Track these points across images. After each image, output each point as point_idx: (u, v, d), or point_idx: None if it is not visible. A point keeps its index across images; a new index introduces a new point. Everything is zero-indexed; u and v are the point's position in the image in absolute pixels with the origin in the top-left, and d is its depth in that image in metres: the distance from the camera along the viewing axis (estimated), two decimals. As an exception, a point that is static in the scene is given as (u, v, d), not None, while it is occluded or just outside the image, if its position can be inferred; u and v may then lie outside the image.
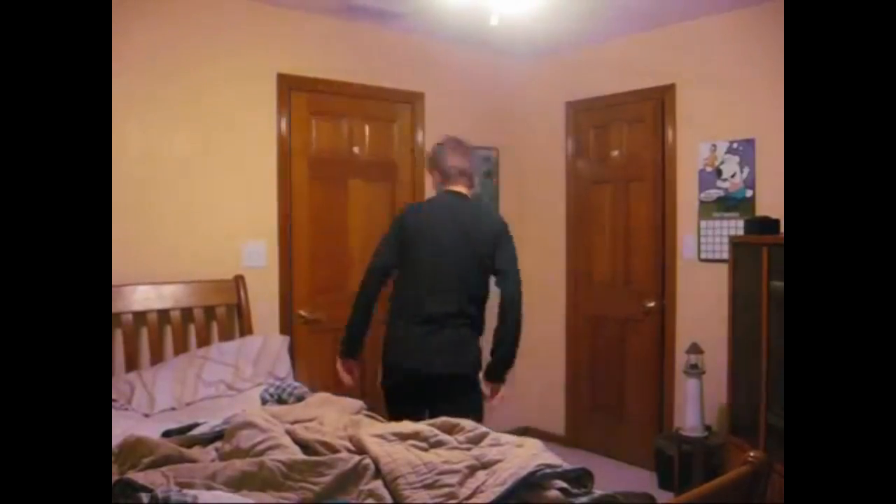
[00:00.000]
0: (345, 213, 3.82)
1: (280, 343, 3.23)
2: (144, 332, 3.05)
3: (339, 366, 2.81)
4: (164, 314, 3.09)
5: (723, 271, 3.36)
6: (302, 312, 3.62)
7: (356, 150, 3.86)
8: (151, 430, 2.26)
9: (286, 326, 3.55)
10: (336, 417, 2.16)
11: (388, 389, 2.72)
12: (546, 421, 4.54)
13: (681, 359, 3.67)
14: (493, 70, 4.45)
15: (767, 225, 3.06)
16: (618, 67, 4.12)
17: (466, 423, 2.01)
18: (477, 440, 1.94)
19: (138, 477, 1.62)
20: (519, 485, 1.67)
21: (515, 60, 4.51)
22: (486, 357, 2.70)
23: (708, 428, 3.49)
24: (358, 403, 2.43)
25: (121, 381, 2.78)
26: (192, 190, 3.24)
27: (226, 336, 3.23)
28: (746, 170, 3.54)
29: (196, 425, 2.25)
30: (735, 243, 3.26)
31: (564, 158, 4.44)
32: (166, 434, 2.21)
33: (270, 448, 1.81)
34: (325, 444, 1.84)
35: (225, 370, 2.93)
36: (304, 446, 1.85)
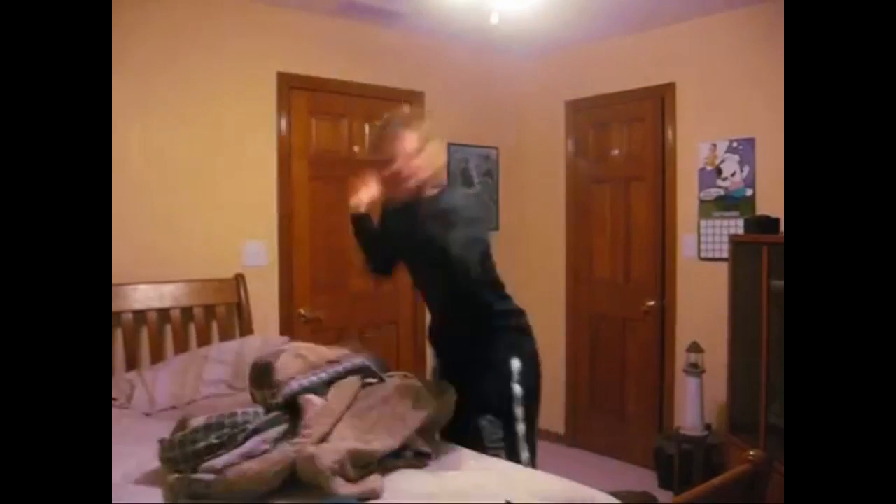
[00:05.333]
0: (345, 212, 3.80)
1: (280, 343, 3.22)
2: (145, 332, 3.05)
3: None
4: (164, 313, 3.09)
5: (723, 270, 3.36)
6: (302, 311, 3.62)
7: (356, 149, 3.86)
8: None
9: (286, 325, 3.55)
10: None
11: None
12: (546, 420, 4.47)
13: (681, 358, 3.67)
14: (494, 69, 4.45)
15: (767, 224, 3.06)
16: (618, 66, 4.12)
17: None
18: None
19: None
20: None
21: (515, 59, 4.51)
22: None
23: (708, 427, 3.48)
24: None
25: (121, 380, 2.78)
26: (193, 189, 3.24)
27: (226, 335, 3.24)
28: (746, 168, 3.54)
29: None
30: (735, 242, 3.26)
31: (564, 157, 4.44)
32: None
33: None
34: None
35: (225, 369, 2.93)
36: None
